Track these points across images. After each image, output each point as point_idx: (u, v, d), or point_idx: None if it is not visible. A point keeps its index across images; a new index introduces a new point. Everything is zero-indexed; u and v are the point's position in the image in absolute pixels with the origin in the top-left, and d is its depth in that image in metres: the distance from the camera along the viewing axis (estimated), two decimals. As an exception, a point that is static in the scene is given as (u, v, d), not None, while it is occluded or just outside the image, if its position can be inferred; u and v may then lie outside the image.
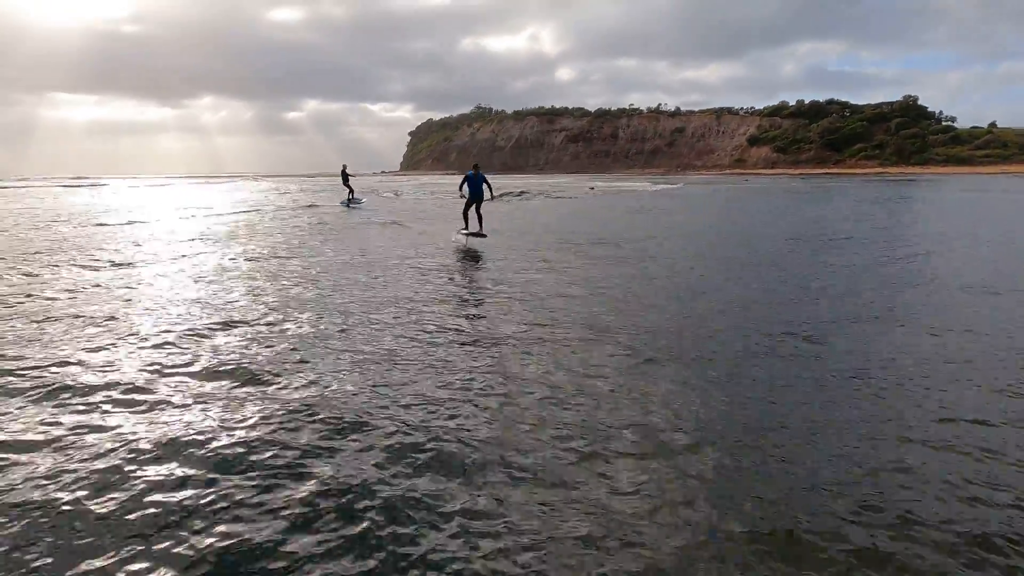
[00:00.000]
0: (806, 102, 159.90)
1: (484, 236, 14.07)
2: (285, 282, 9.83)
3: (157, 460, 3.80)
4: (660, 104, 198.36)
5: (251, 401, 4.74)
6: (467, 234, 14.38)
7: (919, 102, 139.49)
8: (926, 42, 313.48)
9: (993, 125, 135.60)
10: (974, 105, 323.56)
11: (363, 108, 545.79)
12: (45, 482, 3.54)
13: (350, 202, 29.75)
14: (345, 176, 30.81)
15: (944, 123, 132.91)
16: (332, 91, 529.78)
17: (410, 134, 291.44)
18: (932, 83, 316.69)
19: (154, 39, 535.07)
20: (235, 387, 5.05)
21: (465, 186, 14.22)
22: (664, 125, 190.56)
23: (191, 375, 5.32)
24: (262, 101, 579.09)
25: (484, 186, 14.01)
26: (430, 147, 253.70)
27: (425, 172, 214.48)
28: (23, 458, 3.82)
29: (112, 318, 7.37)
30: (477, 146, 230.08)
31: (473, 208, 14.32)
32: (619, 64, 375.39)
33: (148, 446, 3.96)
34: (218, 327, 6.92)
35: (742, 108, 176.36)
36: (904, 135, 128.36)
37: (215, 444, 3.98)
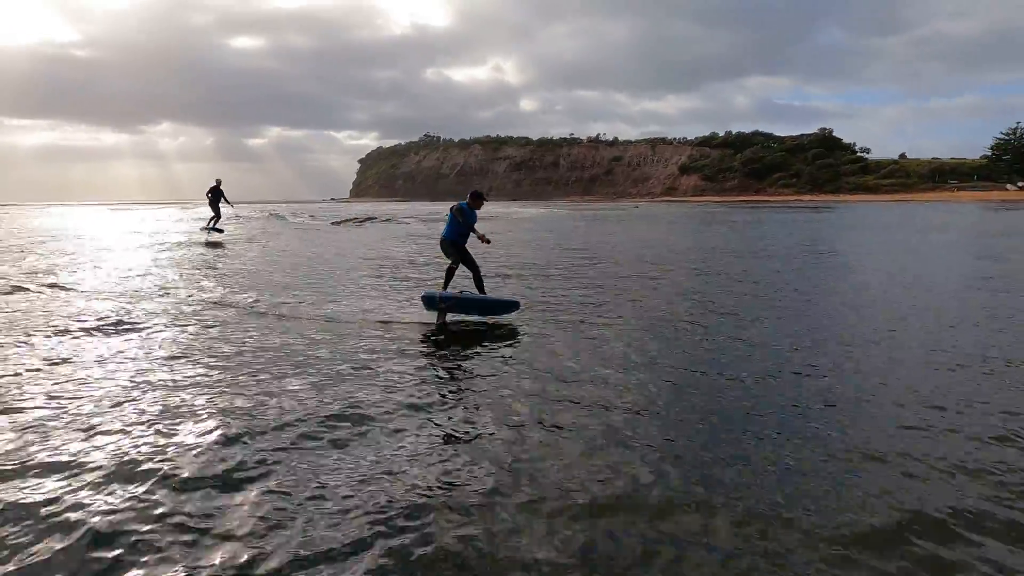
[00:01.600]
0: (733, 133, 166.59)
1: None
2: None
3: None
4: (599, 134, 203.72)
5: None
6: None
7: (835, 134, 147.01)
8: (865, 79, 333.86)
9: (903, 156, 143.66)
10: (908, 137, 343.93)
11: (327, 135, 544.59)
12: None
13: (211, 229, 23.39)
14: (217, 194, 23.10)
15: (857, 154, 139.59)
16: (295, 119, 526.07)
17: (360, 161, 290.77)
18: (871, 116, 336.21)
19: (107, 64, 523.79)
20: None
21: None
22: (603, 154, 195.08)
23: None
24: (223, 127, 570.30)
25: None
26: (377, 174, 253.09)
27: (372, 199, 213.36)
28: None
29: None
30: (423, 174, 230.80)
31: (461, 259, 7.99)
32: (581, 95, 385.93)
33: None
34: None
35: (675, 138, 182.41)
36: (819, 165, 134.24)
37: None
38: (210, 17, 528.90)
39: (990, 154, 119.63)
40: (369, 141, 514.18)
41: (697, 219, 44.09)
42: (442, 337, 7.05)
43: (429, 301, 7.63)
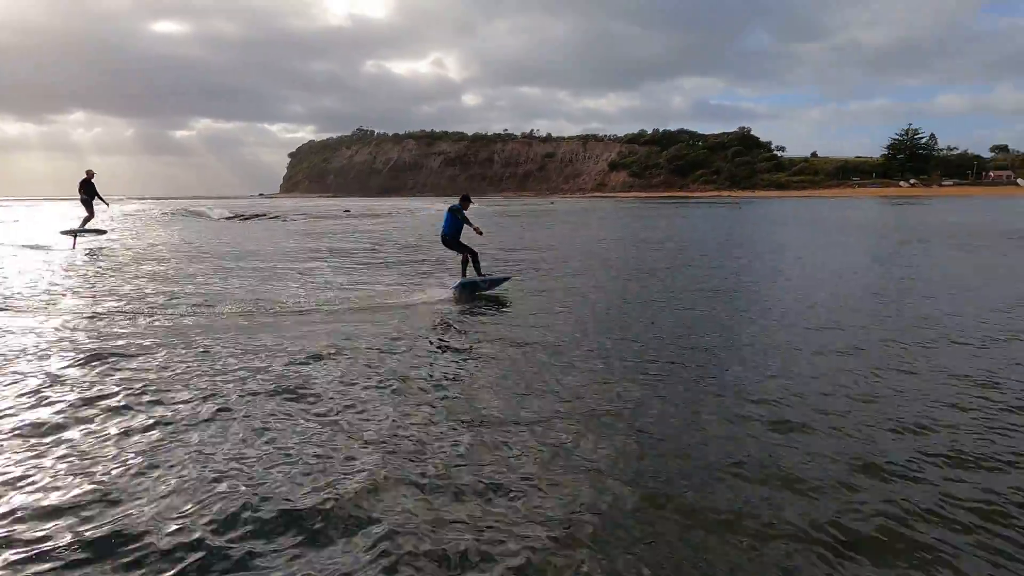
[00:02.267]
0: (660, 131, 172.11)
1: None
2: None
3: None
4: (533, 130, 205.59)
5: None
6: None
7: (760, 133, 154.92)
8: (790, 82, 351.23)
9: (814, 155, 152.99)
10: (830, 138, 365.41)
11: (261, 128, 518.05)
12: None
13: (81, 232, 19.75)
14: (89, 189, 19.39)
15: (773, 152, 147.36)
16: (225, 110, 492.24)
17: (290, 155, 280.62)
18: (797, 117, 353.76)
19: (13, 47, 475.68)
20: None
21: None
22: (536, 150, 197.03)
23: None
24: (145, 118, 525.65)
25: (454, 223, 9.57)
26: (307, 169, 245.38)
27: (301, 195, 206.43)
28: None
29: None
30: (355, 169, 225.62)
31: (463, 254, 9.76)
32: (523, 91, 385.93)
33: None
34: None
35: (606, 135, 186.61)
36: (738, 162, 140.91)
37: None
38: (127, 1, 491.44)
39: (887, 153, 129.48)
40: (305, 134, 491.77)
41: (613, 217, 45.38)
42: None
43: (464, 287, 9.22)
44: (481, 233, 9.66)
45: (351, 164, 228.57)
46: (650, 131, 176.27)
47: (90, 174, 19.94)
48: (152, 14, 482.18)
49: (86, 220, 20.28)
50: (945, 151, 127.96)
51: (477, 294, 9.25)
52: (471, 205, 9.95)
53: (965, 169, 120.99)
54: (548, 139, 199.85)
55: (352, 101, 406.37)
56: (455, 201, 9.67)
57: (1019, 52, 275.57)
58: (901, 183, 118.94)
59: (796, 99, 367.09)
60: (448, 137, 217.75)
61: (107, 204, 21.55)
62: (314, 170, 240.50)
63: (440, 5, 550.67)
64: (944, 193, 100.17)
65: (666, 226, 29.58)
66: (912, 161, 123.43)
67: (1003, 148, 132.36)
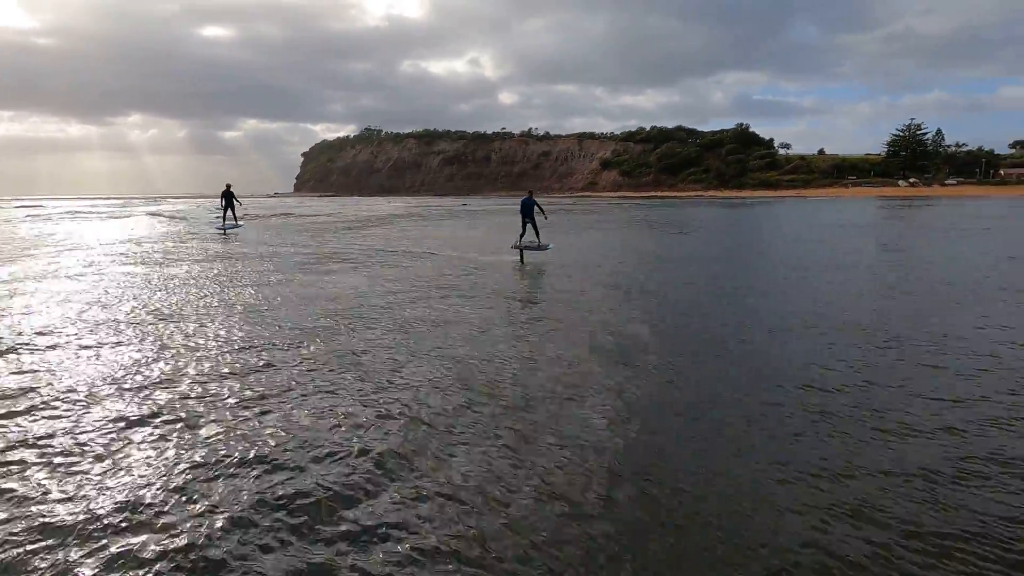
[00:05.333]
0: (657, 128, 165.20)
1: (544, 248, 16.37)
2: None
3: None
4: (531, 128, 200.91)
5: None
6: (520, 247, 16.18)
7: (750, 128, 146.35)
8: (838, 75, 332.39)
9: (821, 152, 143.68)
10: (880, 134, 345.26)
11: (304, 128, 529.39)
12: None
13: (226, 228, 26.11)
14: (229, 197, 26.22)
15: (769, 150, 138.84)
16: (270, 111, 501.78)
17: (303, 155, 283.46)
18: (845, 112, 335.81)
19: (73, 53, 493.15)
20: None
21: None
22: (533, 149, 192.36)
23: None
24: (195, 119, 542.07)
25: (535, 209, 16.23)
26: (314, 169, 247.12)
27: (307, 194, 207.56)
28: None
29: None
30: (357, 168, 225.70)
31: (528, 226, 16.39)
32: (559, 89, 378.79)
33: None
34: None
35: (603, 133, 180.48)
36: (729, 160, 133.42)
37: None
38: (175, 6, 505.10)
39: (888, 151, 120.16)
40: (348, 133, 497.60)
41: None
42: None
43: (527, 246, 16.12)
44: (546, 217, 16.74)
45: (354, 163, 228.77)
46: (648, 128, 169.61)
47: (229, 186, 26.34)
48: (199, 19, 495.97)
49: (233, 217, 26.61)
50: (953, 148, 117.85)
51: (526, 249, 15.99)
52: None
53: (975, 167, 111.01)
54: (545, 137, 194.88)
55: (391, 100, 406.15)
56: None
57: None
58: (900, 182, 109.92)
59: (844, 93, 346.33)
60: (447, 136, 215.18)
61: (234, 212, 26.93)
62: (320, 170, 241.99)
63: (475, 3, 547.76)
64: (936, 193, 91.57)
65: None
66: (914, 159, 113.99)
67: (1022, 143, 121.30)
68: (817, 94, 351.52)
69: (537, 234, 16.22)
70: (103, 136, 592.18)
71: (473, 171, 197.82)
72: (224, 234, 25.36)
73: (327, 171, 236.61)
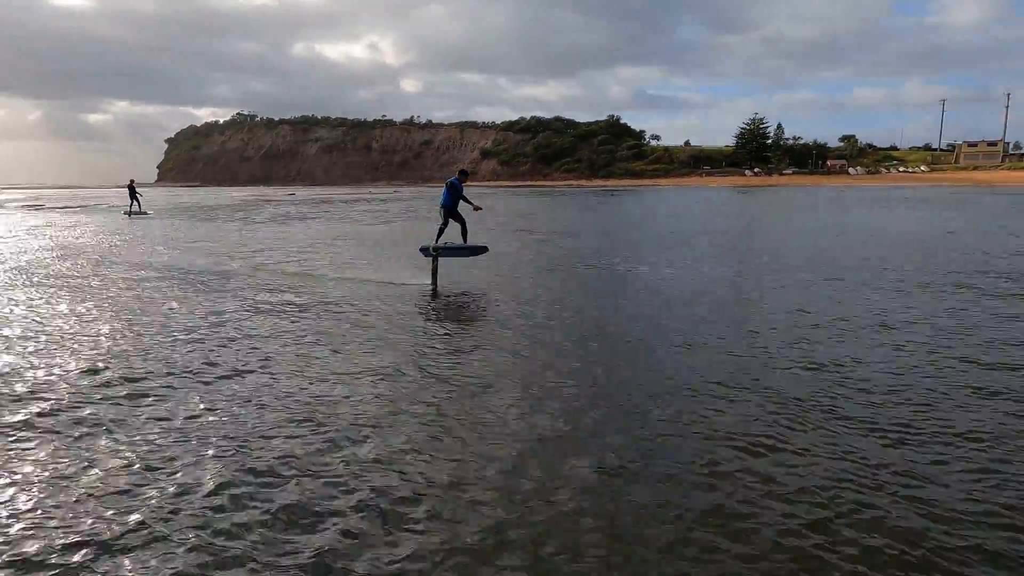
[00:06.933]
0: (536, 117, 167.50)
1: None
2: None
3: None
4: (413, 116, 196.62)
5: None
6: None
7: (622, 121, 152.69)
8: (723, 73, 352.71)
9: (687, 143, 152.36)
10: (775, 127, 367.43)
11: (185, 112, 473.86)
12: None
13: (132, 214, 32.90)
14: (132, 190, 33.76)
15: (637, 141, 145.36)
16: (144, 92, 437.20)
17: (167, 141, 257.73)
18: (730, 108, 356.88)
19: None
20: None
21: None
22: (415, 137, 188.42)
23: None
24: (53, 100, 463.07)
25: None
26: (178, 157, 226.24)
27: (169, 184, 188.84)
28: None
29: None
30: (226, 156, 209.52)
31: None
32: (464, 78, 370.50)
33: None
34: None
35: (484, 123, 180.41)
36: (600, 151, 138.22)
37: None
38: None
39: (736, 143, 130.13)
40: (235, 120, 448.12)
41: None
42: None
43: (425, 251, 11.32)
44: (479, 209, 11.54)
45: (222, 151, 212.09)
46: (528, 118, 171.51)
47: (132, 181, 34.30)
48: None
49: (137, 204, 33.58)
50: (791, 140, 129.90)
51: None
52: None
53: (807, 158, 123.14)
54: (428, 126, 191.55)
55: (283, 85, 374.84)
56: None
57: (926, 49, 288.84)
58: (746, 172, 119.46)
59: (729, 90, 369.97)
60: (326, 123, 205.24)
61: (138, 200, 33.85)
62: (185, 158, 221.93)
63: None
64: (774, 183, 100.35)
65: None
66: (758, 151, 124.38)
67: (850, 138, 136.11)
68: (705, 90, 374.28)
69: (464, 232, 11.74)
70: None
71: (353, 160, 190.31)
72: (129, 218, 32.01)
73: (192, 159, 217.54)
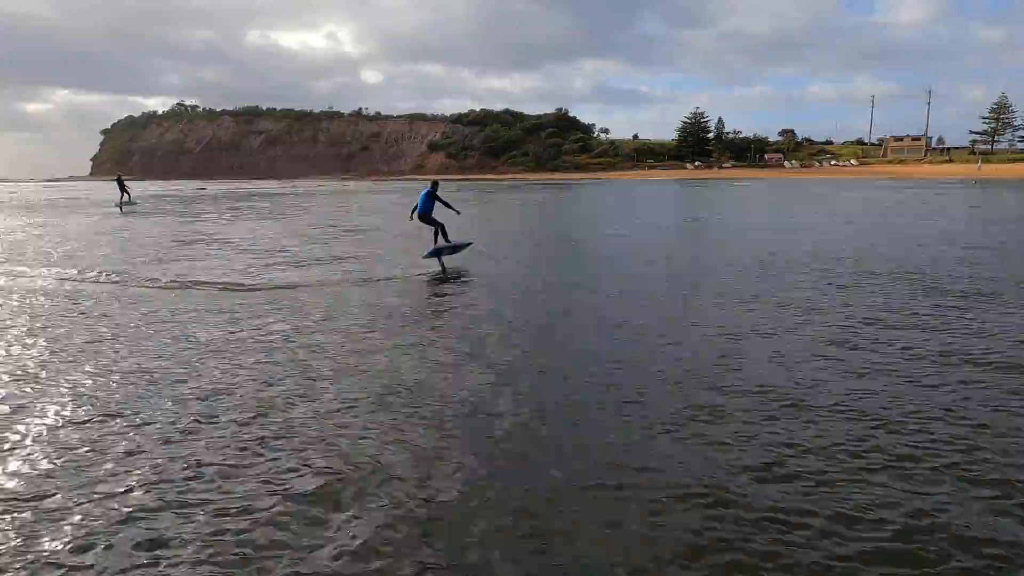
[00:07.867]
0: (485, 110, 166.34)
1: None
2: None
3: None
4: (361, 108, 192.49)
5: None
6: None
7: (571, 114, 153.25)
8: (683, 67, 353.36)
9: (635, 137, 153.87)
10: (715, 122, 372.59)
11: (134, 102, 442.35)
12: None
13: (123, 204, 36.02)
14: (121, 183, 37.68)
15: (582, 135, 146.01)
16: (87, 80, 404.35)
17: (103, 132, 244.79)
18: (690, 102, 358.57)
19: None
20: None
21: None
22: (363, 129, 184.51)
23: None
24: None
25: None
26: (112, 149, 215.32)
27: (103, 177, 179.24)
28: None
29: None
30: (163, 148, 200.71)
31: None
32: (426, 69, 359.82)
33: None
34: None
35: (433, 115, 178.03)
36: (547, 144, 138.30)
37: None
38: None
39: (678, 137, 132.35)
40: (175, 111, 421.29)
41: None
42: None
43: (432, 252, 12.81)
44: (459, 213, 13.25)
45: (160, 143, 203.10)
46: (479, 110, 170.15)
47: (120, 175, 41.84)
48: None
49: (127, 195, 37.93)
50: (732, 134, 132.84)
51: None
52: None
53: (747, 152, 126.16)
54: (376, 117, 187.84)
55: (238, 74, 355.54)
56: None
57: (873, 47, 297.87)
58: (688, 165, 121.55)
59: (689, 84, 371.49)
60: (271, 114, 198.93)
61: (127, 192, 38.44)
62: (119, 150, 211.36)
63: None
64: (715, 176, 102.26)
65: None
66: (699, 144, 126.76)
67: (789, 132, 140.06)
68: (666, 84, 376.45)
69: (445, 234, 13.14)
70: None
71: (299, 153, 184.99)
72: (121, 211, 33.80)
73: (128, 152, 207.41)
